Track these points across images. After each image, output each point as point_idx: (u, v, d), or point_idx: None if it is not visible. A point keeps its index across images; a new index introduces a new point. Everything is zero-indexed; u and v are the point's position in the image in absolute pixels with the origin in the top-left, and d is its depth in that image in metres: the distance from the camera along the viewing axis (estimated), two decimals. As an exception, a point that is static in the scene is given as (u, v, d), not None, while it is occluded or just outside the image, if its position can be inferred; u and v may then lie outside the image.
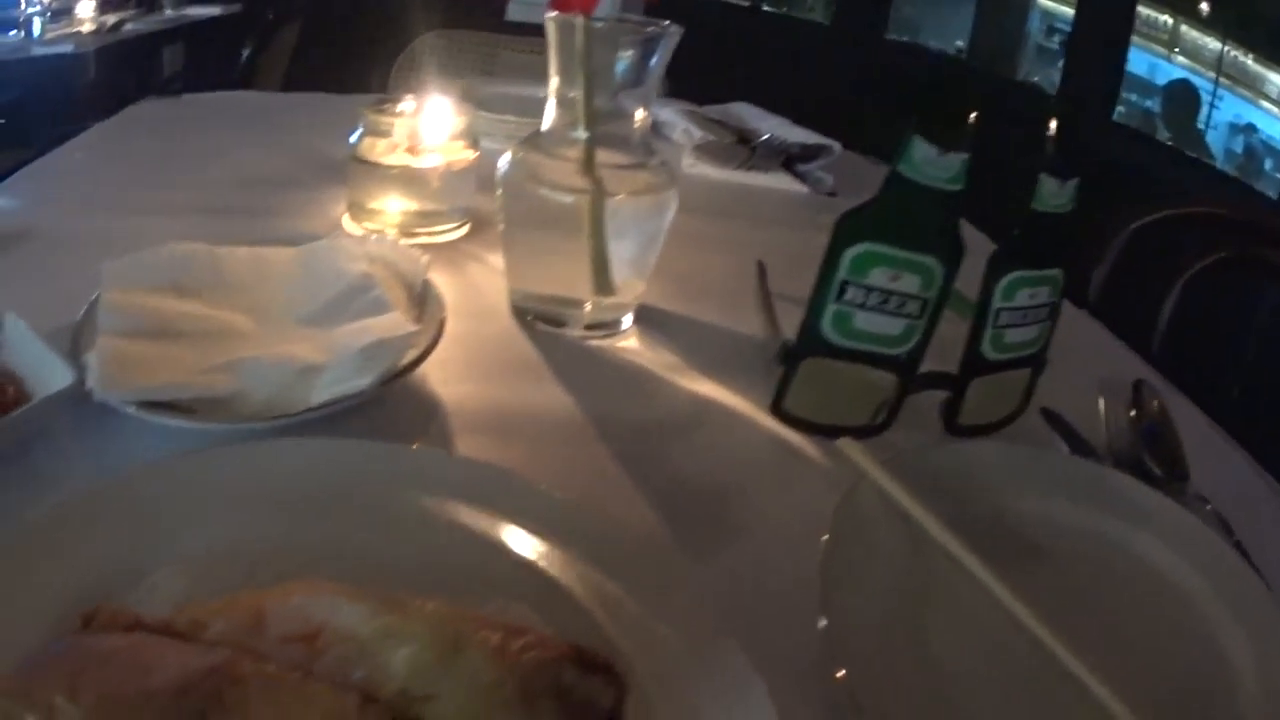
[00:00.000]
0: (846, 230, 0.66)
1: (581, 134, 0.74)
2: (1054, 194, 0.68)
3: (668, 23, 0.74)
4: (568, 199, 0.75)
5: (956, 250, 0.68)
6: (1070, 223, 0.70)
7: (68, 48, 2.25)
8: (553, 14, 0.73)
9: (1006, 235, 0.71)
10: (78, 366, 0.60)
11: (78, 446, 0.60)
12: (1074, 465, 0.67)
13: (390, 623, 0.41)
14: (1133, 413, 0.74)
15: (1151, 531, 0.60)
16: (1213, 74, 2.90)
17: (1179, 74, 2.97)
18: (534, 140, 0.78)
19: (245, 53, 2.40)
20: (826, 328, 0.67)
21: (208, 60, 2.44)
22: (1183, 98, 2.96)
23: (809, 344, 0.69)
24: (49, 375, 0.60)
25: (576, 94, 0.74)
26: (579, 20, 0.71)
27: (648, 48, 0.74)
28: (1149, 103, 3.04)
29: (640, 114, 0.77)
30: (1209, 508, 0.66)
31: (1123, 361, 0.95)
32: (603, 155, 0.75)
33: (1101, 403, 0.75)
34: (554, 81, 0.76)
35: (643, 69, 0.75)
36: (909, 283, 0.67)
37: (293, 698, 0.38)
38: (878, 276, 0.66)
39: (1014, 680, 0.51)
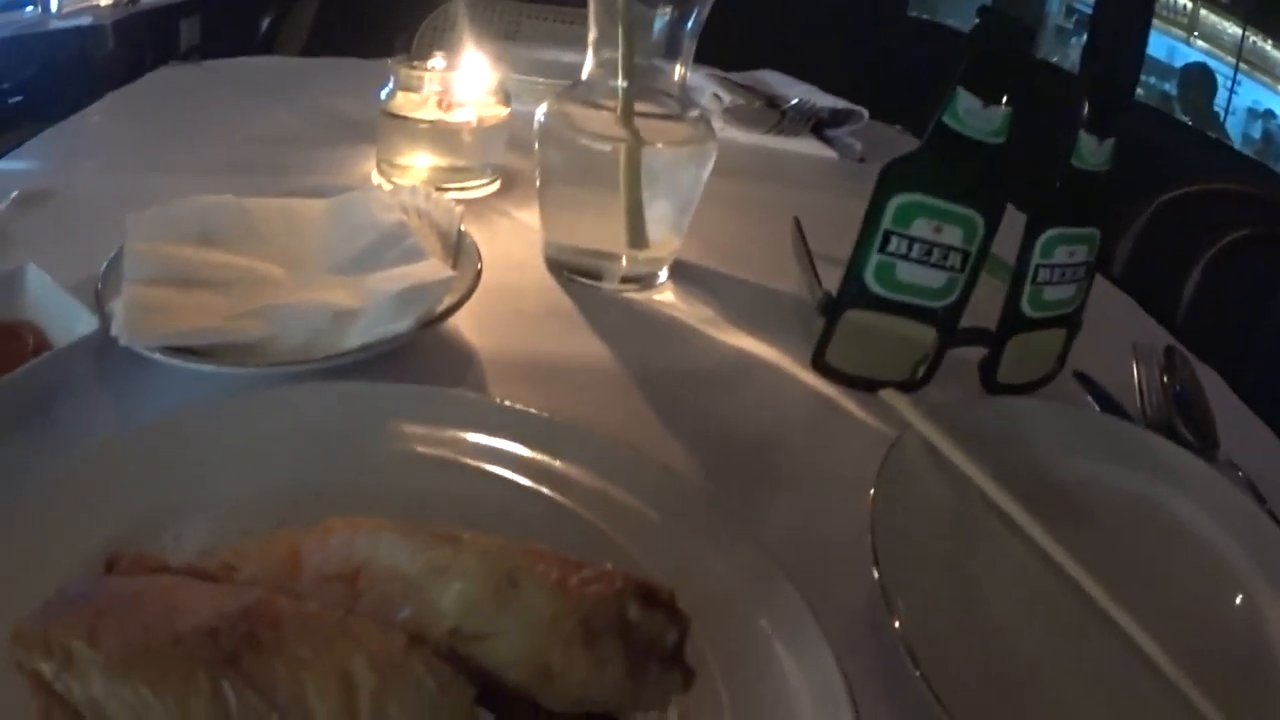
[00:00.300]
0: (891, 180, 0.65)
1: (621, 83, 0.73)
2: (1093, 151, 0.68)
3: None
4: (605, 147, 0.74)
5: (998, 205, 0.67)
6: (1106, 183, 0.70)
7: (85, 20, 2.24)
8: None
9: (1045, 193, 0.70)
10: (102, 315, 0.59)
11: (101, 399, 0.59)
12: (1114, 426, 0.67)
13: (439, 558, 0.37)
14: (1164, 378, 0.74)
15: (1189, 495, 0.60)
16: (1231, 59, 2.88)
17: (1196, 57, 2.94)
18: (572, 91, 0.78)
19: (265, 23, 2.39)
20: (869, 278, 0.67)
21: (226, 33, 2.41)
22: (1199, 81, 2.94)
23: (852, 295, 0.68)
24: (72, 324, 0.59)
25: (614, 54, 0.73)
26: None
27: (685, 6, 0.73)
28: (1166, 85, 3.02)
29: (679, 69, 0.76)
30: (1240, 474, 0.65)
31: (1150, 332, 0.94)
32: (641, 107, 0.74)
33: (1135, 366, 0.75)
34: (592, 34, 0.75)
35: (679, 28, 0.74)
36: (951, 235, 0.66)
37: (334, 638, 0.35)
38: (921, 227, 0.66)
39: (1057, 627, 0.51)
